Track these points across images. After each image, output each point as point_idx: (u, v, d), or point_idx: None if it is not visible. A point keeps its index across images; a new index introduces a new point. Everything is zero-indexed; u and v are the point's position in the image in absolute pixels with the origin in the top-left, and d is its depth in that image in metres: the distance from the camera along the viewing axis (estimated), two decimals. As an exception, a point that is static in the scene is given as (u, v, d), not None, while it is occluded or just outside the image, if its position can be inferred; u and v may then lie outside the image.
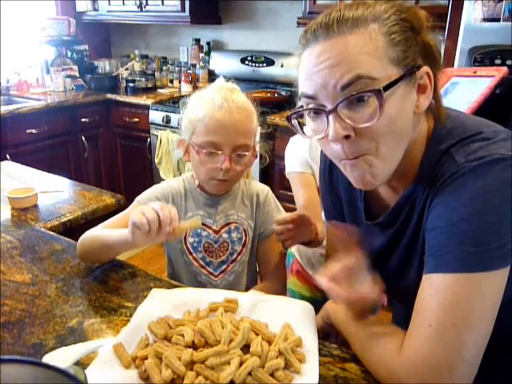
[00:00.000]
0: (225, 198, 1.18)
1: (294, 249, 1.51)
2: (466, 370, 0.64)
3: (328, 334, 0.90)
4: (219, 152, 1.06)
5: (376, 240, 0.86)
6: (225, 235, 1.17)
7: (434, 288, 0.67)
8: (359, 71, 0.65)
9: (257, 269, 1.27)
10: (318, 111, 0.70)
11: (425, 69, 0.70)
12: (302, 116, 0.75)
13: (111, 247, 1.02)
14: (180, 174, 2.96)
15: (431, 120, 0.77)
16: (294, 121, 0.76)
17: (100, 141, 3.32)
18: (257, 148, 1.18)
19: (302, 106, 0.73)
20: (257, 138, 1.17)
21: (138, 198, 1.16)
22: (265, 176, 2.56)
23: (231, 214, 1.18)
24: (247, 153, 1.10)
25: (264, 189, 1.24)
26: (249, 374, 0.71)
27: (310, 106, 0.71)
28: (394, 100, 0.67)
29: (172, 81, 3.52)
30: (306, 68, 0.70)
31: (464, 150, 0.69)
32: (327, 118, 0.68)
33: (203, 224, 1.16)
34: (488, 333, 0.65)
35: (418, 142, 0.76)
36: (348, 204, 0.94)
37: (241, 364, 0.71)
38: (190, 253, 1.17)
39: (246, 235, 1.19)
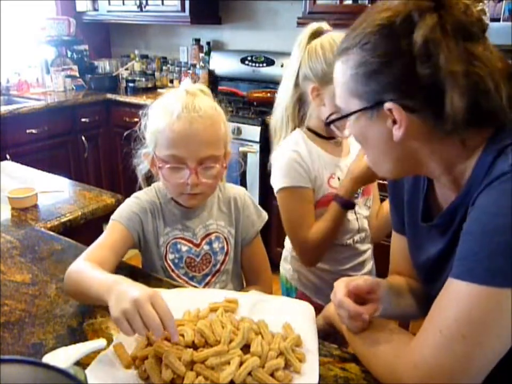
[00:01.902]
0: (202, 208, 1.12)
1: (295, 282, 1.38)
2: (469, 382, 0.63)
3: (328, 334, 0.89)
4: (183, 166, 0.99)
5: (434, 246, 0.82)
6: (206, 247, 1.11)
7: (455, 295, 0.64)
8: (337, 102, 0.78)
9: (242, 275, 1.22)
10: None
11: (388, 105, 0.68)
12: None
13: (93, 300, 0.85)
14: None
15: None
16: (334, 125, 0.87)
17: (100, 141, 3.32)
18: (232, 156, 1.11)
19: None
20: (229, 146, 1.09)
21: (115, 217, 1.06)
22: (267, 177, 2.55)
23: (210, 223, 1.12)
24: (215, 165, 1.02)
25: (241, 192, 1.17)
26: (249, 374, 0.71)
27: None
28: (357, 127, 0.76)
29: (171, 81, 3.53)
30: None
31: None
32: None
33: (182, 238, 1.10)
34: (502, 352, 0.62)
35: (465, 156, 0.72)
36: (410, 204, 0.90)
37: (241, 364, 0.71)
38: (172, 270, 1.10)
39: (227, 243, 1.13)
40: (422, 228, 0.84)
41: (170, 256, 1.10)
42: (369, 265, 1.38)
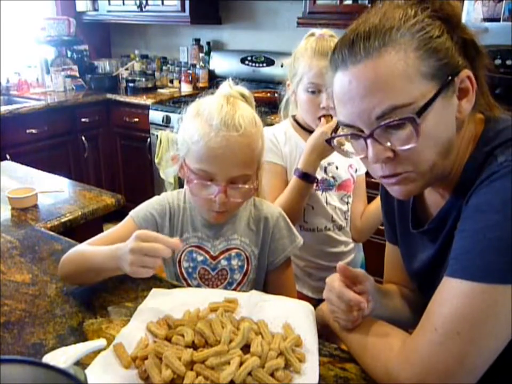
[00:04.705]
0: (228, 220, 1.05)
1: None
2: (465, 379, 0.63)
3: (320, 335, 0.89)
4: (211, 183, 0.94)
5: (426, 252, 0.83)
6: (224, 262, 1.04)
7: (449, 293, 0.65)
8: (392, 101, 0.65)
9: None
10: (356, 136, 0.72)
11: (466, 72, 0.68)
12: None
13: (96, 269, 0.93)
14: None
15: (480, 122, 0.74)
16: (333, 142, 0.80)
17: (100, 141, 3.32)
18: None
19: (338, 127, 0.78)
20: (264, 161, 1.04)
21: (132, 214, 1.04)
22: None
23: (233, 238, 1.05)
24: (245, 184, 0.96)
25: (274, 213, 1.08)
26: (249, 374, 0.71)
27: (349, 132, 0.73)
28: (432, 116, 0.66)
29: (172, 81, 3.53)
30: (338, 94, 0.71)
31: (509, 150, 0.66)
32: (365, 142, 0.69)
33: (200, 247, 1.05)
34: (498, 349, 0.62)
35: (464, 145, 0.73)
36: (400, 213, 0.90)
37: (241, 364, 0.71)
38: (184, 279, 1.06)
39: (248, 263, 1.05)
40: (413, 235, 0.85)
41: (184, 264, 1.06)
42: (348, 259, 1.43)
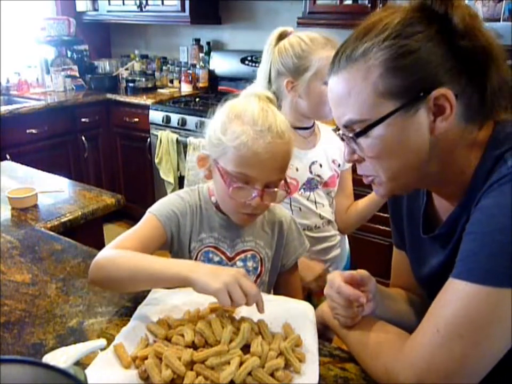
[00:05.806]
0: None
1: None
2: (465, 382, 0.62)
3: (321, 335, 0.89)
4: (247, 185, 0.93)
5: (436, 258, 0.82)
6: (240, 263, 1.04)
7: (453, 294, 0.64)
8: (350, 115, 0.71)
9: None
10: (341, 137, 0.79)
11: (441, 91, 0.66)
12: None
13: (154, 277, 0.86)
14: (180, 174, 2.97)
15: (489, 125, 0.73)
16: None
17: (100, 141, 3.32)
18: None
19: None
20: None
21: (154, 211, 1.00)
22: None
23: (249, 240, 1.05)
24: (278, 188, 0.96)
25: (288, 216, 1.11)
26: (249, 374, 0.71)
27: (339, 132, 0.79)
28: (389, 133, 0.69)
29: (172, 81, 3.53)
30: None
31: None
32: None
33: (216, 248, 1.04)
34: (501, 353, 0.62)
35: (465, 151, 0.72)
36: (409, 218, 0.90)
37: (241, 364, 0.71)
38: None
39: (262, 265, 1.06)
40: (423, 240, 0.85)
41: None
42: (335, 252, 1.45)
